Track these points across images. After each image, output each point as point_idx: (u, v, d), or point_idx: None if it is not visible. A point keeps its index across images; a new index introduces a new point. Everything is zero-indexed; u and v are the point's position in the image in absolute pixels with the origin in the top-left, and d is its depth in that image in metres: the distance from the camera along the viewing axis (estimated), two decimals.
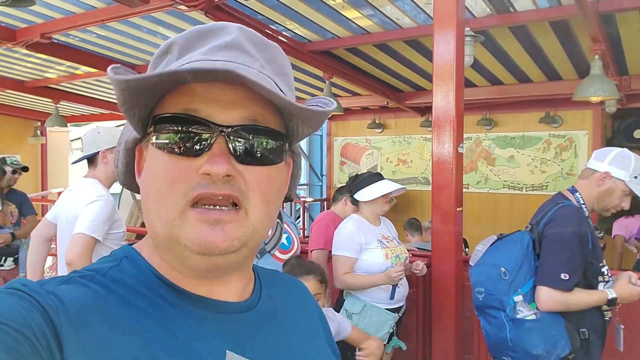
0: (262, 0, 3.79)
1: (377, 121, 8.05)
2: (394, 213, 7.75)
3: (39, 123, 9.32)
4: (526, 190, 7.00)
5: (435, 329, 3.04)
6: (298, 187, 9.81)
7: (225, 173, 0.56)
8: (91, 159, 2.56)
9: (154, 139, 0.59)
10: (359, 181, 2.87)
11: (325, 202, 8.77)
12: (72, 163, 3.20)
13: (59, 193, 5.99)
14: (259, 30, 4.17)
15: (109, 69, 0.55)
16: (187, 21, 4.23)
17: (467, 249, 6.96)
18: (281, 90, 0.62)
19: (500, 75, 5.73)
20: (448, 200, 2.88)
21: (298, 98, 6.89)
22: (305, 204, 9.14)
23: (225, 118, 0.57)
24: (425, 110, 7.38)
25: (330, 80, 5.40)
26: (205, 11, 3.58)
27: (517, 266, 2.00)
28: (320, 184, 10.55)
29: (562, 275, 1.90)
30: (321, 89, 6.02)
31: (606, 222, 6.10)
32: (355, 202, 2.88)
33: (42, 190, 9.44)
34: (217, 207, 0.57)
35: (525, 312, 1.97)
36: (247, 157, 0.58)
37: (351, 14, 4.05)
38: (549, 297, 1.92)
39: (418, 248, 4.56)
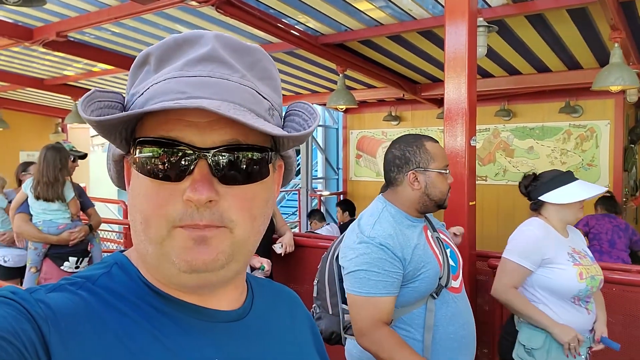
0: None
1: (393, 113, 7.99)
2: None
3: (60, 120, 9.50)
4: None
5: None
6: (314, 180, 9.73)
7: (207, 199, 0.56)
8: None
9: (136, 162, 0.59)
10: (545, 180, 2.30)
11: (341, 196, 8.76)
12: None
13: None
14: (270, 24, 4.17)
15: (80, 103, 0.55)
16: (200, 17, 4.25)
17: None
18: (265, 98, 0.62)
19: (518, 65, 5.62)
20: (460, 194, 2.83)
21: (313, 92, 6.87)
22: (322, 198, 9.14)
23: (206, 141, 0.57)
24: (442, 101, 7.25)
25: (344, 73, 5.37)
26: (217, 6, 3.57)
27: None
28: (337, 177, 10.52)
29: None
30: (335, 82, 5.99)
31: None
32: (537, 207, 2.33)
33: None
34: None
35: None
36: (231, 178, 0.58)
37: (363, 5, 4.01)
38: None
39: None
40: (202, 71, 0.58)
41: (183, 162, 0.56)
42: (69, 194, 3.78)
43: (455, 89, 2.83)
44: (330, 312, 2.01)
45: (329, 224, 6.53)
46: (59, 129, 9.60)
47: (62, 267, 3.73)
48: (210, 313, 0.63)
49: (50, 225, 3.71)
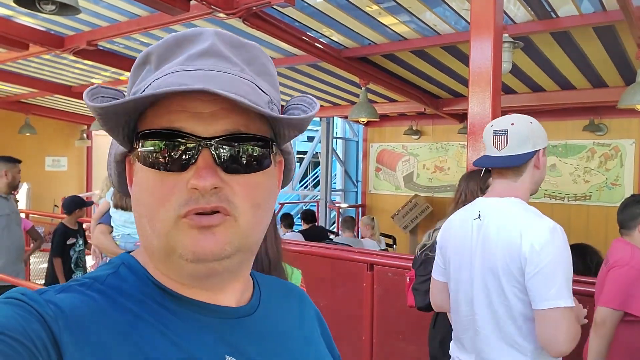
0: (300, 7, 3.83)
1: (414, 127, 7.98)
2: (430, 221, 7.65)
3: (85, 127, 9.73)
4: (568, 200, 6.78)
5: None
6: (333, 192, 9.70)
7: (212, 186, 0.56)
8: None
9: (139, 156, 0.60)
10: None
11: (360, 208, 8.74)
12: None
13: None
14: (295, 37, 4.23)
15: (85, 94, 0.56)
16: (227, 29, 4.32)
17: (394, 246, 7.01)
18: (264, 92, 0.62)
19: (542, 82, 5.59)
20: None
21: (335, 105, 6.88)
22: (340, 210, 9.14)
23: (209, 131, 0.57)
24: (464, 117, 7.26)
25: (367, 86, 5.40)
26: (244, 19, 3.64)
27: None
28: (356, 189, 10.52)
29: None
30: (357, 95, 6.02)
31: None
32: None
33: (87, 191, 9.80)
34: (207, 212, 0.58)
35: None
36: (234, 167, 0.58)
37: (387, 20, 4.04)
38: None
39: (338, 243, 4.87)
40: (203, 65, 0.59)
41: (187, 152, 0.57)
42: None
43: (479, 104, 2.82)
44: None
45: (293, 231, 6.63)
46: (84, 135, 9.81)
47: None
48: (219, 310, 0.64)
49: (128, 240, 3.30)
